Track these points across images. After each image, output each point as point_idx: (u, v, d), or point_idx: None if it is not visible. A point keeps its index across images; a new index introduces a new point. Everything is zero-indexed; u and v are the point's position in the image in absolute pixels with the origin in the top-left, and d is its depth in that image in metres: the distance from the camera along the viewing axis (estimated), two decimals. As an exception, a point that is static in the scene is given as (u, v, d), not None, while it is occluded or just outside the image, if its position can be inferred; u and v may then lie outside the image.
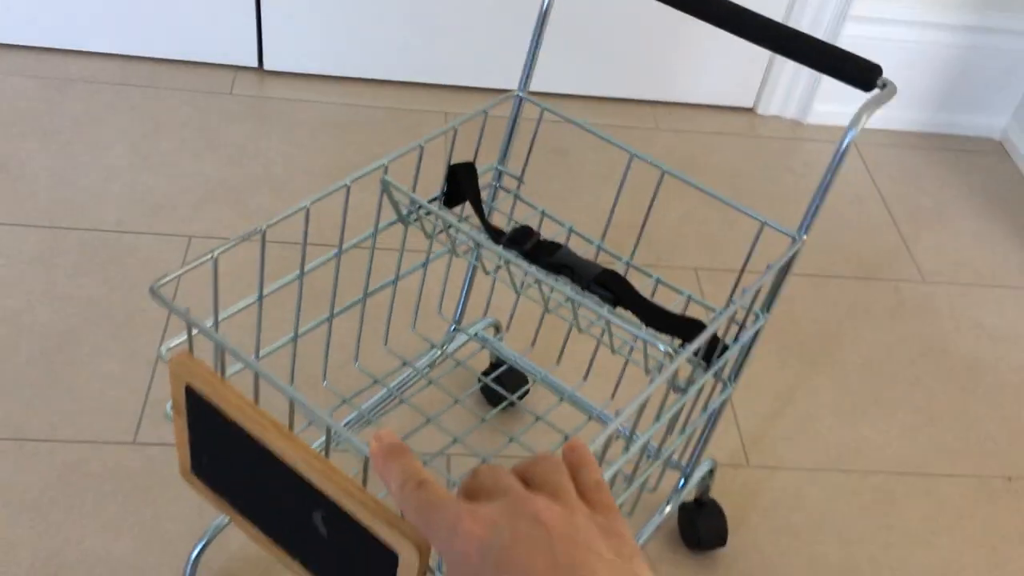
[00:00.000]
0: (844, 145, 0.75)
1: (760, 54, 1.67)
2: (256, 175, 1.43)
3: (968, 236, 1.56)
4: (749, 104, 1.74)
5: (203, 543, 0.91)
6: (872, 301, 1.42)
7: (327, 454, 0.59)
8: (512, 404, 1.14)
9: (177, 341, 0.66)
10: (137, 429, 1.09)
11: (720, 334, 0.79)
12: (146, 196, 1.37)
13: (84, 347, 1.16)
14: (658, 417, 0.75)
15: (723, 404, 0.90)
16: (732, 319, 0.80)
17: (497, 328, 1.11)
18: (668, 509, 0.95)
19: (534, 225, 0.89)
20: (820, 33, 1.62)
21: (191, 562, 0.90)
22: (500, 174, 0.92)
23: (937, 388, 1.30)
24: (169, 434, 1.09)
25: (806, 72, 1.68)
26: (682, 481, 0.97)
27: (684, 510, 1.06)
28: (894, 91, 0.75)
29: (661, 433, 0.82)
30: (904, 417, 1.26)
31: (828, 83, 1.68)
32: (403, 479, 0.45)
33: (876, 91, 0.75)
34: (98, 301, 1.22)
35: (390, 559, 0.55)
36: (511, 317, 0.97)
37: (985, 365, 1.34)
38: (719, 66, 1.68)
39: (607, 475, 0.68)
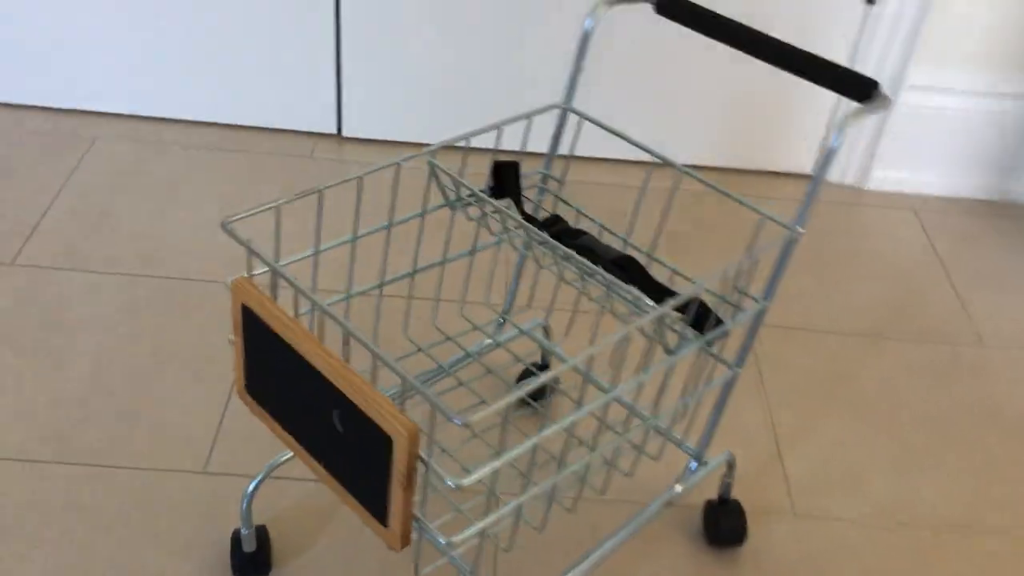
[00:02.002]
0: (836, 143, 0.83)
1: (816, 123, 1.71)
2: (334, 230, 1.52)
3: (1030, 300, 1.56)
4: (808, 171, 1.78)
5: (258, 480, 1.00)
6: (930, 363, 1.42)
7: (345, 358, 0.71)
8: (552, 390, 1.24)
9: (239, 275, 0.77)
10: (208, 458, 1.16)
11: (725, 318, 0.88)
12: (229, 248, 1.47)
13: (164, 383, 1.25)
14: (645, 369, 0.81)
15: (728, 387, 0.98)
16: (735, 306, 0.89)
17: (547, 330, 1.19)
18: (678, 487, 1.00)
19: (572, 222, 0.99)
20: (877, 102, 1.66)
21: (247, 496, 0.99)
22: (545, 177, 1.02)
23: (993, 448, 1.30)
24: (235, 463, 1.16)
25: (864, 140, 1.71)
26: (694, 464, 1.02)
27: (708, 508, 1.13)
28: (887, 104, 0.84)
29: (647, 392, 0.86)
30: (956, 474, 1.26)
31: (885, 149, 1.71)
32: None
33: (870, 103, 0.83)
34: (179, 341, 1.31)
35: (387, 444, 0.67)
36: (548, 312, 1.07)
37: (1044, 426, 1.33)
38: (779, 132, 1.73)
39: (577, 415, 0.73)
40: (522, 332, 1.13)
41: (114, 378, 1.25)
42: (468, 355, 1.09)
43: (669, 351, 0.84)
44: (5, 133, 1.67)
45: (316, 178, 1.64)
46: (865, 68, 1.63)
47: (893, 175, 1.75)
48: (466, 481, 0.68)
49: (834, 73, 0.88)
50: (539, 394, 1.25)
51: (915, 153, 1.72)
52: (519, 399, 1.24)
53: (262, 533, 1.05)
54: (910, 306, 1.52)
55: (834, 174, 1.77)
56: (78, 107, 1.72)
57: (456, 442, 1.17)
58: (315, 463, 0.78)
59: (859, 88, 0.87)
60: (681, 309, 0.86)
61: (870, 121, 1.69)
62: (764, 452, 1.26)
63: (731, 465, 1.09)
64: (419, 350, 0.99)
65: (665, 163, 0.95)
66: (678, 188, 0.95)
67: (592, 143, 1.74)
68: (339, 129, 1.73)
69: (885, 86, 1.65)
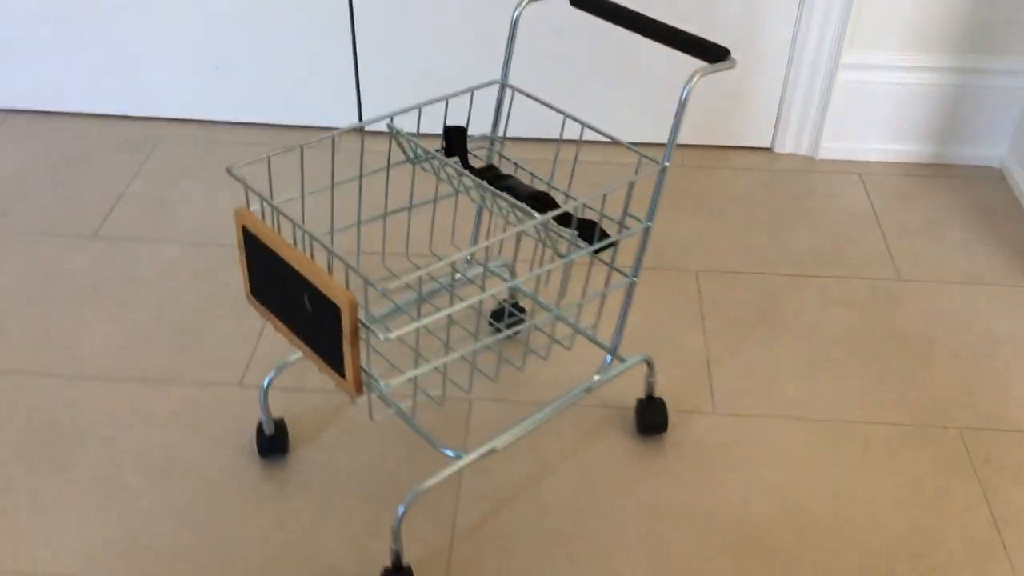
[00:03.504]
0: (685, 94, 1.09)
1: (771, 98, 1.97)
2: (354, 206, 1.83)
3: (951, 243, 1.78)
4: (767, 144, 2.03)
5: (271, 375, 1.30)
6: (849, 295, 1.66)
7: (310, 254, 1.00)
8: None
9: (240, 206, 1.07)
10: (244, 375, 1.48)
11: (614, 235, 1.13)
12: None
13: (211, 321, 1.57)
14: (539, 268, 1.08)
15: (629, 293, 1.23)
16: (622, 224, 1.15)
17: (511, 269, 1.47)
18: (596, 377, 1.27)
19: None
20: (818, 80, 1.91)
21: (264, 389, 1.29)
22: (492, 140, 1.30)
23: (890, 361, 1.53)
24: (263, 380, 1.47)
25: (812, 113, 1.96)
26: (608, 357, 1.29)
27: (638, 404, 1.40)
28: (732, 65, 1.10)
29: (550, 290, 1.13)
30: (856, 382, 1.50)
31: (831, 123, 1.95)
32: None
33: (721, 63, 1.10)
34: (224, 291, 1.63)
35: (337, 312, 0.95)
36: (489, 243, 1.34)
37: (943, 344, 1.56)
38: (738, 111, 1.99)
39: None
40: (491, 272, 1.42)
41: (172, 318, 1.58)
42: (441, 286, 1.38)
43: (560, 255, 1.12)
44: (90, 136, 2.03)
45: (336, 164, 1.95)
46: (804, 52, 1.88)
47: (840, 145, 1.99)
48: (392, 335, 0.98)
49: (697, 43, 1.15)
50: (512, 324, 1.54)
51: (857, 125, 1.96)
52: (497, 332, 1.53)
53: (280, 423, 1.36)
54: (840, 250, 1.76)
55: (788, 145, 2.01)
56: (145, 114, 2.08)
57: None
58: (299, 341, 1.09)
59: (715, 53, 1.14)
60: (571, 226, 1.13)
61: (816, 98, 1.94)
62: (696, 369, 1.52)
63: (650, 365, 1.36)
64: (393, 275, 1.29)
65: (575, 120, 1.22)
66: (581, 133, 1.22)
67: (532, 124, 2.03)
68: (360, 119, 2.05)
69: (822, 67, 1.90)
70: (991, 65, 1.88)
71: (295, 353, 1.33)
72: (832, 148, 1.99)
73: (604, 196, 1.10)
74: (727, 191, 1.92)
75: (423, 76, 1.98)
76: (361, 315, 0.98)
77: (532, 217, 1.07)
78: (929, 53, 1.88)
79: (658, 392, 1.46)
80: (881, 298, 1.66)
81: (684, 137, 2.03)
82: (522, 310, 1.55)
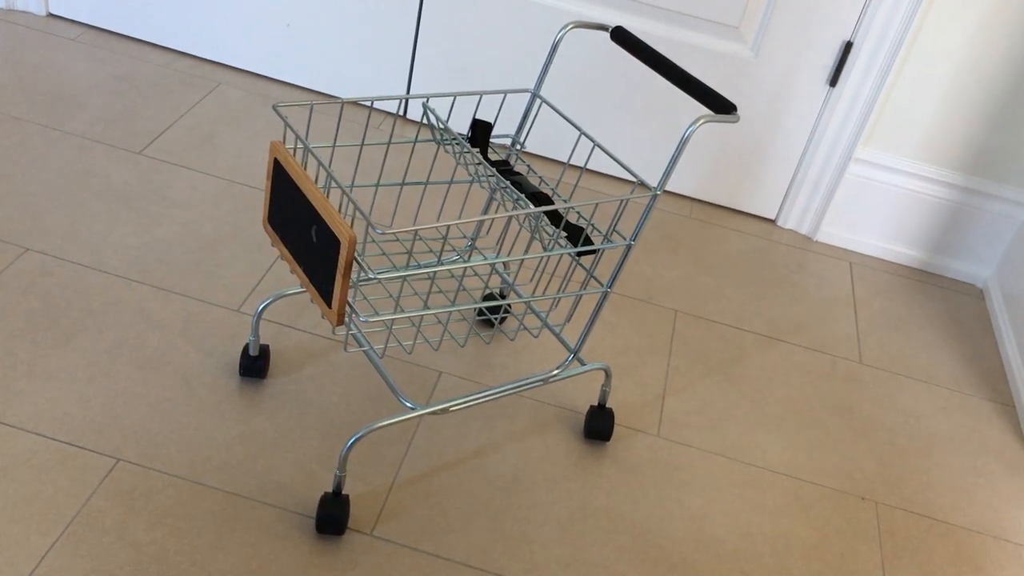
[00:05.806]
0: (687, 134, 1.21)
1: (784, 174, 2.09)
2: (377, 174, 1.97)
3: (916, 342, 1.89)
4: (772, 216, 2.15)
5: (268, 301, 1.41)
6: (811, 365, 1.78)
7: (327, 193, 1.12)
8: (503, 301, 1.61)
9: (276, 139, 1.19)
10: (242, 304, 1.61)
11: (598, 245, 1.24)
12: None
13: (227, 250, 1.70)
14: (526, 250, 1.20)
15: (600, 302, 1.34)
16: (606, 236, 1.26)
17: (505, 265, 1.59)
18: (555, 371, 1.38)
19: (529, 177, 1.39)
20: (830, 168, 2.03)
21: (257, 314, 1.41)
22: (513, 141, 1.43)
23: (831, 431, 1.64)
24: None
25: (819, 197, 2.08)
26: (570, 356, 1.39)
27: (589, 410, 1.51)
28: (736, 119, 1.22)
29: (536, 279, 1.24)
30: (794, 440, 1.61)
31: (834, 210, 2.07)
32: None
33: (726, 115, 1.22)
34: (244, 227, 1.77)
35: (337, 245, 1.07)
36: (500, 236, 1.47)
37: (883, 427, 1.67)
38: (752, 180, 2.11)
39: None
40: (487, 261, 1.55)
41: (191, 240, 1.71)
42: (440, 263, 1.50)
43: (545, 248, 1.24)
44: (159, 66, 2.18)
45: (371, 137, 2.09)
46: (823, 139, 2.01)
47: (838, 232, 2.11)
48: (381, 276, 1.10)
49: (708, 93, 1.28)
50: (495, 311, 1.66)
51: (858, 218, 2.08)
52: (483, 320, 1.65)
53: (265, 349, 1.48)
54: (813, 325, 1.88)
55: (791, 222, 2.14)
56: (211, 58, 2.23)
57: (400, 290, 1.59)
58: (299, 269, 1.21)
59: (722, 105, 1.27)
60: (560, 226, 1.26)
61: (825, 184, 2.06)
62: (651, 394, 1.63)
63: (607, 375, 1.47)
64: (396, 239, 1.42)
65: (588, 137, 1.34)
66: (592, 155, 1.34)
67: (551, 144, 2.16)
68: (404, 112, 2.19)
69: (837, 155, 2.03)
70: (993, 190, 2.00)
71: (292, 288, 1.46)
72: (830, 233, 2.12)
73: (596, 206, 1.23)
74: (725, 249, 2.04)
75: (470, 75, 2.12)
76: (358, 256, 1.11)
77: (525, 205, 1.20)
78: (938, 166, 2.00)
79: (610, 404, 1.58)
80: (839, 374, 1.77)
81: (698, 193, 2.16)
82: (504, 299, 1.67)
